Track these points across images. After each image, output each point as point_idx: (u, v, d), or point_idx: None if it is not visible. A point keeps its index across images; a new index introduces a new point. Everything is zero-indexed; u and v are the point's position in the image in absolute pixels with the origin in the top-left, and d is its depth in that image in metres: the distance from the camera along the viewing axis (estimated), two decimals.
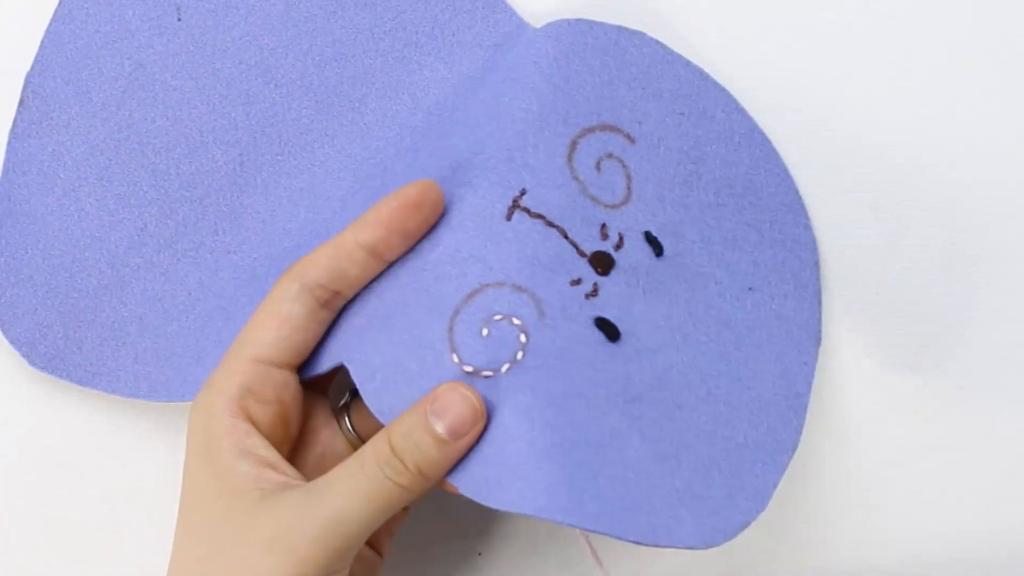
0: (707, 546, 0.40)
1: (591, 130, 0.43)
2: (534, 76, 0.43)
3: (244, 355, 0.40)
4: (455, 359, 0.40)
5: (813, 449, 0.47)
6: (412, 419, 0.38)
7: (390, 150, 0.44)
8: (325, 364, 0.41)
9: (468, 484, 0.39)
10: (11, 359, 0.45)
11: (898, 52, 0.46)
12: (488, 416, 0.39)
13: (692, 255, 0.44)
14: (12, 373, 0.46)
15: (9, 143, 0.45)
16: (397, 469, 0.38)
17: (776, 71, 0.46)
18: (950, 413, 0.47)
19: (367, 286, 0.41)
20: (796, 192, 0.46)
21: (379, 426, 0.39)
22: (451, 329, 0.41)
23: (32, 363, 0.44)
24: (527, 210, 0.42)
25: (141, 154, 0.45)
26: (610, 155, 0.43)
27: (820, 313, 0.46)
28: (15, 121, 0.45)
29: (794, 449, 0.43)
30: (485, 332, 0.41)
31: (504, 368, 0.40)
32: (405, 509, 0.43)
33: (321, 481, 0.38)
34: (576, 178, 0.43)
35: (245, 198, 0.45)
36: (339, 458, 0.40)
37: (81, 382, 0.44)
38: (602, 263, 0.43)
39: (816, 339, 0.45)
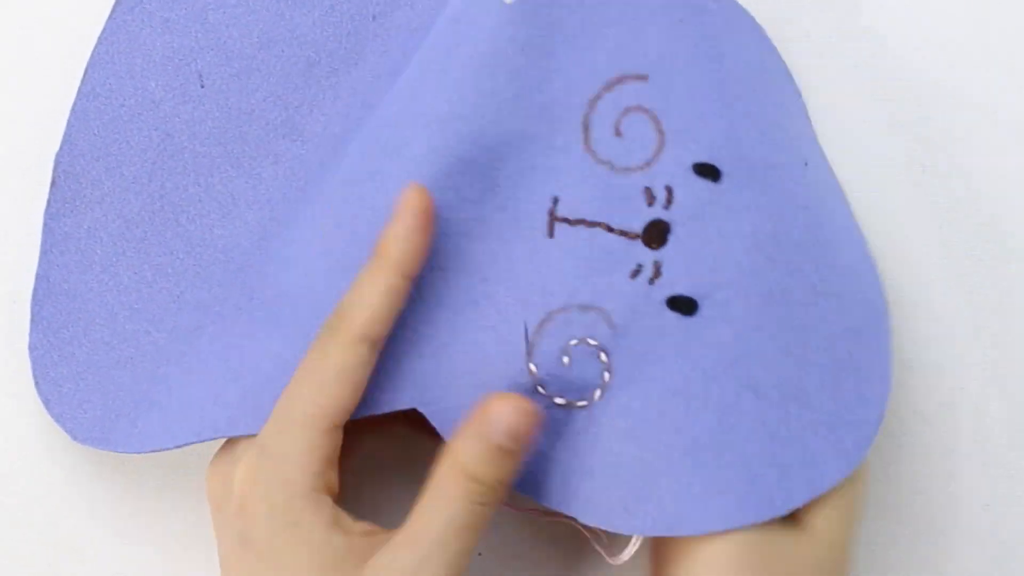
0: (854, 467, 0.40)
1: (598, 97, 0.42)
2: (523, 64, 0.42)
3: (320, 426, 0.39)
4: (541, 391, 0.41)
5: None
6: (477, 443, 0.38)
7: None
8: (385, 406, 0.41)
9: (601, 518, 0.40)
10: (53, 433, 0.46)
11: None
12: (599, 444, 0.40)
13: (754, 151, 0.42)
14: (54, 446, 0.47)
15: (44, 224, 0.45)
16: (482, 492, 0.38)
17: None
18: (950, 413, 0.47)
19: (416, 326, 0.41)
20: (786, 67, 0.45)
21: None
22: (531, 363, 0.41)
23: (75, 438, 0.44)
24: (566, 220, 0.41)
25: (175, 223, 0.45)
26: (626, 110, 0.42)
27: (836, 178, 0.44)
28: (48, 202, 0.45)
29: (887, 312, 0.42)
30: (566, 360, 0.41)
31: (596, 395, 0.41)
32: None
33: (412, 525, 0.38)
34: (600, 161, 0.41)
35: (275, 252, 0.44)
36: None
37: (117, 448, 0.44)
38: (655, 236, 0.41)
39: (846, 202, 0.43)
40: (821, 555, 0.40)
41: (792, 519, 0.40)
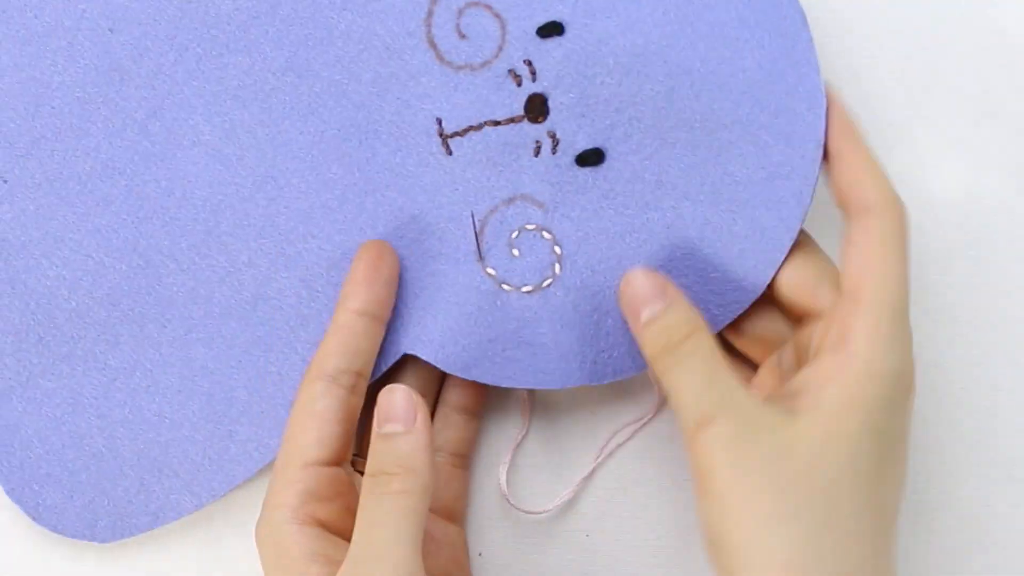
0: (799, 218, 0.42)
1: (430, 13, 0.43)
2: (354, 17, 0.44)
3: (294, 464, 0.41)
4: (507, 288, 0.43)
5: None
6: (372, 441, 0.40)
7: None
8: (382, 365, 0.43)
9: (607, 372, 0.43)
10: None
11: None
12: (578, 309, 0.43)
13: None
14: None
15: None
16: (381, 481, 0.39)
17: None
18: (950, 413, 0.47)
19: None
20: None
21: None
22: (487, 268, 0.43)
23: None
24: (456, 134, 0.43)
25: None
26: (459, 12, 0.43)
27: None
28: None
29: (809, 55, 0.42)
30: (516, 252, 0.43)
31: (557, 269, 0.43)
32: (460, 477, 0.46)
33: (351, 544, 0.39)
34: (459, 68, 0.43)
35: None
36: None
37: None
38: (536, 109, 0.43)
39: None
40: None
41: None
